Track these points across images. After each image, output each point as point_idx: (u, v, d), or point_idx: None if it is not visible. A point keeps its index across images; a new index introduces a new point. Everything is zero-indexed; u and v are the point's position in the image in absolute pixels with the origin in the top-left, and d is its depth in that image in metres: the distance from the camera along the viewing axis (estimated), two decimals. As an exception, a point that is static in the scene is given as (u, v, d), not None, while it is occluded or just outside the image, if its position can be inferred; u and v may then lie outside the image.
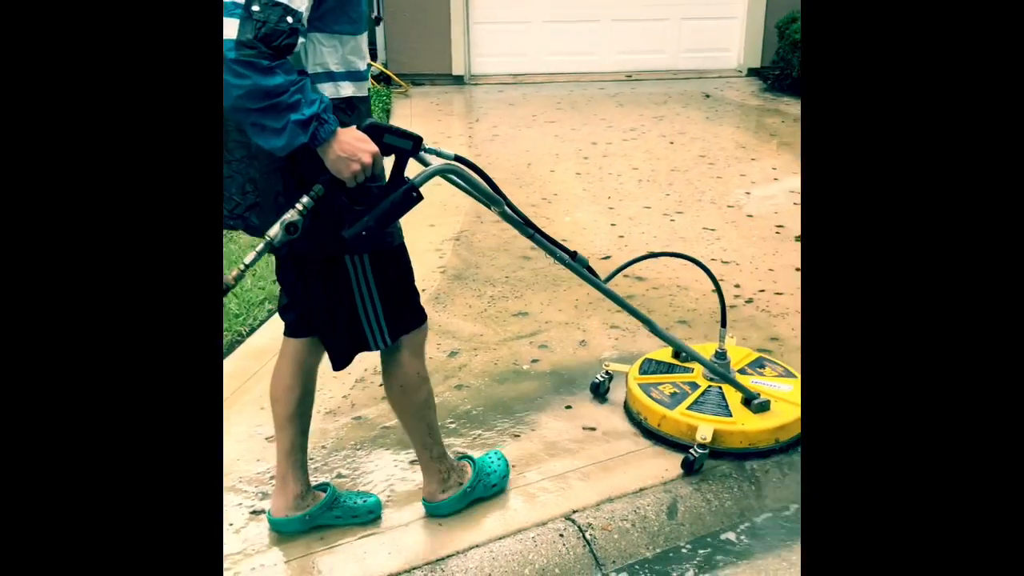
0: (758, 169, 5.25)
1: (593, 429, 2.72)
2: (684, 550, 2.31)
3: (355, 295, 1.98)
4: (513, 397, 2.90)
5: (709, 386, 2.70)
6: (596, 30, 7.79)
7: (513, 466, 2.52)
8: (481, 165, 2.11)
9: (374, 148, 1.79)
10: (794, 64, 6.76)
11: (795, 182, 4.98)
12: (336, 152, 1.74)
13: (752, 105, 6.78)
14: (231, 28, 1.59)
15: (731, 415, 2.58)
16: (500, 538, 2.25)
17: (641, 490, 2.44)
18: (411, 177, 1.86)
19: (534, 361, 3.13)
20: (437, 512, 2.31)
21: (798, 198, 4.70)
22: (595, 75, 7.86)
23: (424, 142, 1.89)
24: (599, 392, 2.89)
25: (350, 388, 2.95)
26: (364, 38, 1.91)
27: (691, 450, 2.49)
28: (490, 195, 2.08)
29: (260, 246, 1.75)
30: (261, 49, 1.60)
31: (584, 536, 2.28)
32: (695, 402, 2.63)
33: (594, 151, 5.71)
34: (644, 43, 7.66)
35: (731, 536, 2.37)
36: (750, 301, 3.59)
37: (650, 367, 2.84)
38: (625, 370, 2.85)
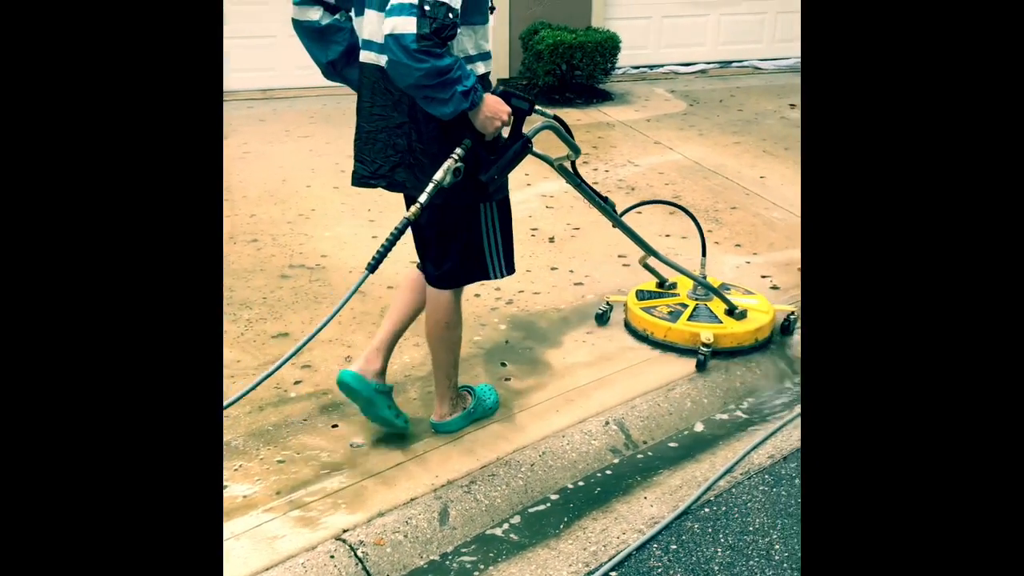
0: (512, 175, 5.42)
1: (361, 445, 2.69)
2: (458, 553, 2.33)
3: (482, 234, 2.52)
4: (276, 422, 2.79)
5: (697, 304, 3.36)
6: (346, 43, 7.73)
7: (278, 493, 2.43)
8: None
9: (508, 108, 2.32)
10: (539, 74, 7.07)
11: (547, 186, 5.19)
12: (484, 113, 2.27)
13: (503, 114, 7.01)
14: (410, 24, 2.07)
15: (721, 323, 3.26)
16: (267, 569, 2.15)
17: (412, 500, 2.43)
18: (526, 132, 2.42)
19: (297, 383, 3.03)
20: (447, 429, 2.73)
21: (550, 201, 4.91)
22: (348, 89, 7.79)
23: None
24: (603, 321, 3.47)
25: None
26: (489, 26, 2.40)
27: (699, 352, 3.14)
28: (574, 145, 2.80)
29: (429, 188, 2.26)
30: (435, 40, 2.09)
31: (356, 554, 2.24)
32: (690, 316, 3.29)
33: (351, 164, 5.65)
34: (395, 56, 7.69)
35: (498, 532, 2.42)
36: (510, 302, 3.69)
37: (643, 295, 3.47)
38: (623, 300, 3.49)
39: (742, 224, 4.59)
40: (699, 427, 2.94)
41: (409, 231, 2.53)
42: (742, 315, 3.30)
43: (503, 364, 3.20)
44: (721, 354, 3.21)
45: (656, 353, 3.27)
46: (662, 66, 8.38)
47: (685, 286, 3.49)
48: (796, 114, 6.90)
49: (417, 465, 2.59)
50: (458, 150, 2.28)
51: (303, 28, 2.56)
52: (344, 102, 7.46)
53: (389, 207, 4.83)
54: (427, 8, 2.07)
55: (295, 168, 5.55)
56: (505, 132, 2.40)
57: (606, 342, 3.35)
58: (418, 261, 2.73)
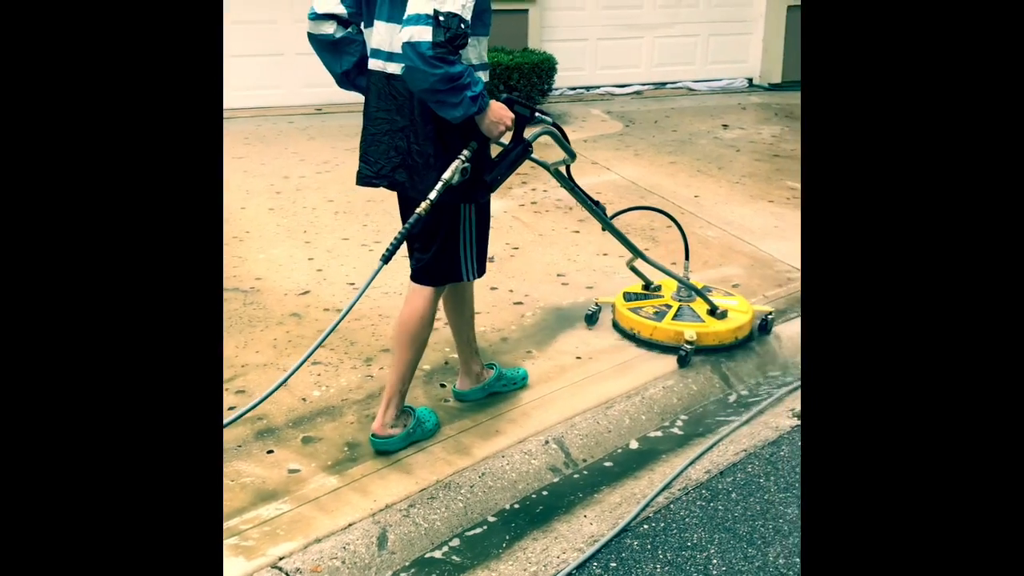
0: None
1: (298, 471, 2.64)
2: (398, 578, 2.31)
3: (459, 235, 2.64)
4: (210, 449, 2.73)
5: (680, 305, 3.56)
6: (282, 63, 7.66)
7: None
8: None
9: (512, 114, 2.52)
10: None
11: (485, 206, 5.21)
12: (490, 118, 2.45)
13: (441, 134, 7.03)
14: (426, 33, 2.23)
15: (704, 322, 3.46)
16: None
17: (350, 525, 2.40)
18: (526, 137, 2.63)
19: (231, 408, 2.97)
20: (387, 447, 2.72)
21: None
22: (283, 108, 7.71)
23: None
24: (592, 321, 3.65)
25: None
26: (488, 38, 2.59)
27: (681, 349, 3.33)
28: (570, 150, 2.95)
29: (439, 186, 2.40)
30: (449, 48, 2.25)
31: (293, 583, 2.19)
32: (674, 316, 3.48)
33: (287, 185, 5.59)
34: (330, 77, 7.65)
35: (438, 555, 2.40)
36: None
37: (630, 297, 3.65)
38: (612, 300, 3.67)
39: (678, 242, 4.66)
40: (637, 444, 2.96)
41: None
42: (723, 315, 3.50)
43: (442, 385, 3.18)
44: (704, 351, 3.42)
45: (596, 371, 3.30)
46: (598, 87, 8.50)
47: (669, 288, 3.69)
48: (728, 134, 7.06)
49: (355, 490, 2.56)
50: (465, 151, 2.45)
51: (318, 41, 2.72)
52: (279, 123, 7.40)
53: (326, 229, 4.79)
54: (441, 18, 2.25)
55: (229, 190, 5.47)
56: (506, 137, 2.58)
57: (545, 361, 3.37)
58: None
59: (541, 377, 3.25)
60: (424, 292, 2.69)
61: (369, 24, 2.60)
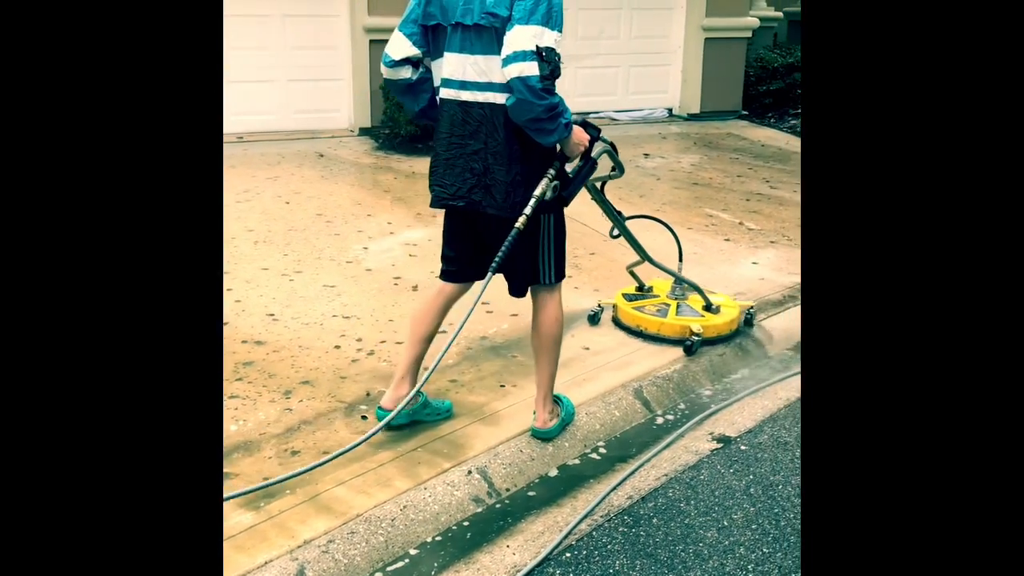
0: (374, 224, 5.40)
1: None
2: (316, 617, 2.25)
3: (539, 243, 2.86)
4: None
5: (678, 303, 3.92)
6: (201, 91, 7.53)
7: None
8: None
9: (588, 136, 2.86)
10: (401, 123, 7.10)
11: (410, 234, 5.19)
12: (574, 140, 2.76)
13: (366, 163, 6.98)
14: (533, 68, 2.51)
15: (703, 316, 3.83)
16: None
17: (266, 563, 2.33)
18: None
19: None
20: (548, 436, 3.03)
21: (413, 250, 4.91)
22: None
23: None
24: (595, 321, 3.98)
25: None
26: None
27: (688, 340, 3.72)
28: (620, 165, 3.40)
29: (532, 201, 2.69)
30: (551, 81, 2.55)
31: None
32: (676, 312, 3.85)
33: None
34: (253, 104, 7.56)
35: (362, 592, 2.36)
36: (372, 353, 3.64)
37: (630, 298, 3.99)
38: (612, 302, 4.02)
39: (600, 270, 4.72)
40: (558, 472, 2.96)
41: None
42: (717, 310, 3.89)
43: (364, 418, 3.14)
44: (706, 343, 3.79)
45: (522, 399, 3.30)
46: (522, 116, 8.57)
47: (661, 289, 4.08)
48: (649, 163, 7.20)
49: (272, 527, 2.49)
50: (551, 171, 2.74)
51: (397, 85, 2.92)
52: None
53: (245, 258, 4.71)
54: (544, 53, 2.52)
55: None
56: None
57: (467, 393, 3.35)
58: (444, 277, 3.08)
59: (469, 407, 3.23)
60: (550, 298, 2.93)
61: (438, 56, 2.80)
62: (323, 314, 4.02)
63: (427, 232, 5.21)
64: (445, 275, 3.03)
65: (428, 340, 3.03)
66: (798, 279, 4.67)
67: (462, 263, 2.99)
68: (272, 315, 3.97)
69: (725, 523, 2.68)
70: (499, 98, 2.66)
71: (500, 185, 2.70)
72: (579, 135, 2.79)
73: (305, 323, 3.90)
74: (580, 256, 4.88)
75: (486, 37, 2.64)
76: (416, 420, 3.04)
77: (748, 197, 6.32)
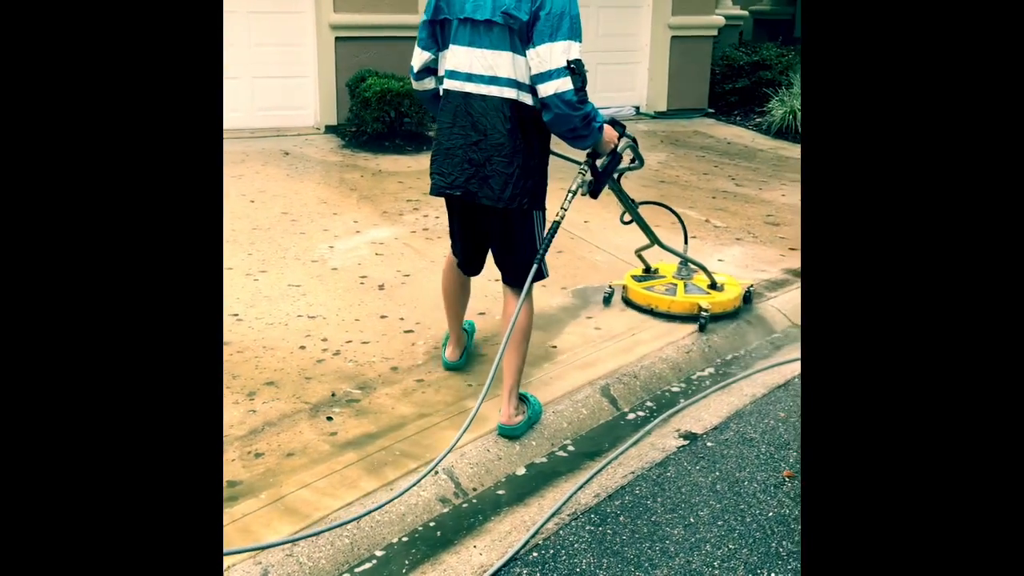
0: (340, 223, 5.35)
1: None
2: (280, 621, 2.22)
3: (535, 237, 2.99)
4: None
5: (685, 283, 4.13)
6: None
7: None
8: None
9: (616, 133, 3.03)
10: (368, 120, 7.05)
11: (376, 233, 5.15)
12: (605, 139, 2.93)
13: (332, 161, 6.93)
14: (567, 84, 2.64)
15: (709, 294, 4.05)
16: None
17: (229, 568, 2.30)
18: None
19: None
20: (514, 433, 3.05)
21: (380, 248, 4.87)
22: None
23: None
24: (608, 302, 4.21)
25: None
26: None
27: (700, 316, 3.95)
28: (641, 157, 3.45)
29: (571, 190, 2.95)
30: (585, 91, 2.69)
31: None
32: (684, 291, 4.07)
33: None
34: (217, 101, 7.46)
35: (327, 595, 2.33)
36: (337, 353, 3.61)
37: (639, 279, 4.23)
38: (623, 283, 4.25)
39: (568, 267, 4.72)
40: (526, 470, 2.96)
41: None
42: (721, 288, 4.12)
43: (329, 419, 3.11)
44: (715, 319, 4.02)
45: (489, 399, 3.28)
46: (490, 114, 8.55)
47: (667, 271, 4.28)
48: (617, 161, 7.22)
49: (236, 530, 2.46)
50: (583, 166, 2.98)
51: (424, 95, 3.11)
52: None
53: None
54: (573, 66, 2.64)
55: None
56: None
57: (433, 392, 3.33)
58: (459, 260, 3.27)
59: (432, 407, 3.21)
60: (527, 293, 2.98)
61: (444, 47, 2.89)
62: (288, 314, 3.98)
63: (393, 231, 5.18)
64: (464, 266, 3.29)
65: (463, 307, 3.39)
66: (764, 275, 4.71)
67: (467, 256, 3.23)
68: (236, 315, 3.92)
69: (691, 520, 2.69)
70: (504, 92, 2.75)
71: (499, 176, 2.79)
72: (609, 134, 2.96)
73: (269, 323, 3.86)
74: (548, 255, 4.87)
75: (497, 33, 2.71)
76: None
77: (714, 195, 6.36)
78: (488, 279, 4.46)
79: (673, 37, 8.99)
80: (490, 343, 3.74)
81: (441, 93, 2.93)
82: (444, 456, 2.64)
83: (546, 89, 2.65)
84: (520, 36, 2.68)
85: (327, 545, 2.46)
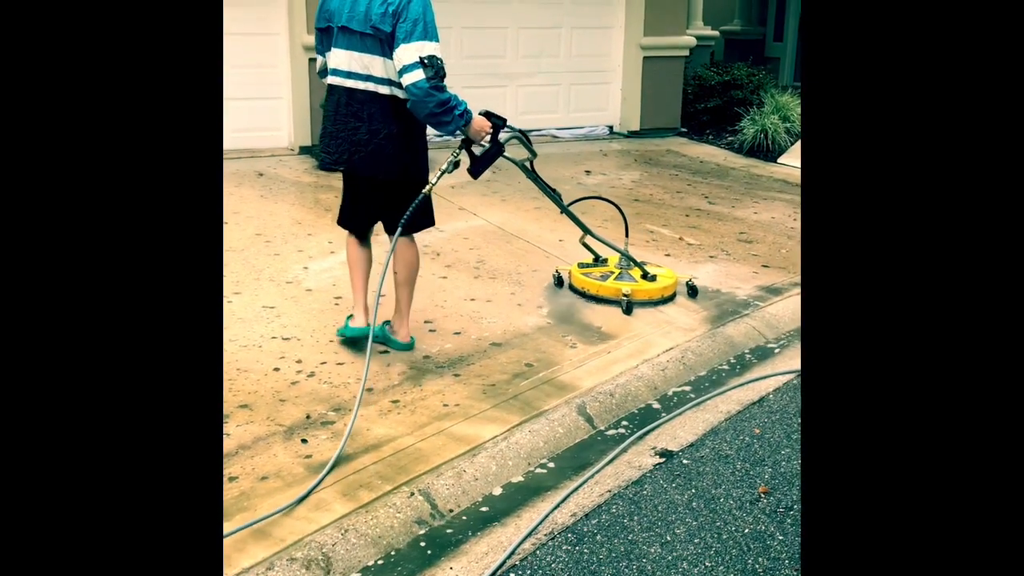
0: (315, 244, 5.33)
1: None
2: (254, 648, 2.19)
3: (409, 200, 3.42)
4: None
5: (620, 272, 4.60)
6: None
7: None
8: None
9: (490, 124, 3.51)
10: (342, 141, 7.06)
11: (350, 254, 5.13)
12: (474, 128, 3.48)
13: (306, 182, 6.91)
14: (420, 75, 3.24)
15: (637, 283, 4.52)
16: None
17: (201, 595, 2.26)
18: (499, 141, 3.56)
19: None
20: (409, 348, 3.81)
21: (354, 269, 4.86)
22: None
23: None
24: (560, 284, 4.71)
25: None
26: None
27: (621, 300, 4.38)
28: (532, 150, 4.08)
29: (442, 168, 3.42)
30: (437, 80, 3.26)
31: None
32: (615, 279, 4.55)
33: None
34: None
35: (302, 620, 2.30)
36: (312, 375, 3.59)
37: (583, 266, 4.71)
38: (569, 269, 4.74)
39: (543, 286, 4.73)
40: (502, 490, 2.95)
41: None
42: (652, 278, 4.56)
43: (304, 441, 3.09)
44: (641, 304, 4.44)
45: (457, 422, 3.28)
46: (465, 134, 8.58)
47: (614, 260, 4.70)
48: (591, 180, 7.26)
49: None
50: (455, 150, 3.49)
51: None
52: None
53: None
54: (427, 61, 3.24)
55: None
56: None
57: (408, 414, 3.32)
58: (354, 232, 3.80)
59: (410, 427, 3.20)
60: (410, 243, 3.65)
61: (327, 50, 3.53)
62: (262, 336, 3.95)
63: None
64: (341, 222, 3.83)
65: (367, 276, 3.79)
66: (738, 293, 4.74)
67: (357, 222, 3.75)
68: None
69: (668, 538, 2.70)
70: (378, 88, 3.40)
71: (377, 154, 3.44)
72: (479, 123, 3.49)
73: (243, 345, 3.83)
74: (523, 273, 4.88)
75: (369, 42, 3.36)
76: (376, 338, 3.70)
77: (688, 213, 6.41)
78: (465, 299, 4.47)
79: (645, 58, 9.08)
80: (465, 362, 3.74)
81: (326, 87, 3.57)
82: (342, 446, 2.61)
83: (405, 80, 3.27)
84: (387, 43, 3.30)
85: (302, 569, 2.43)
